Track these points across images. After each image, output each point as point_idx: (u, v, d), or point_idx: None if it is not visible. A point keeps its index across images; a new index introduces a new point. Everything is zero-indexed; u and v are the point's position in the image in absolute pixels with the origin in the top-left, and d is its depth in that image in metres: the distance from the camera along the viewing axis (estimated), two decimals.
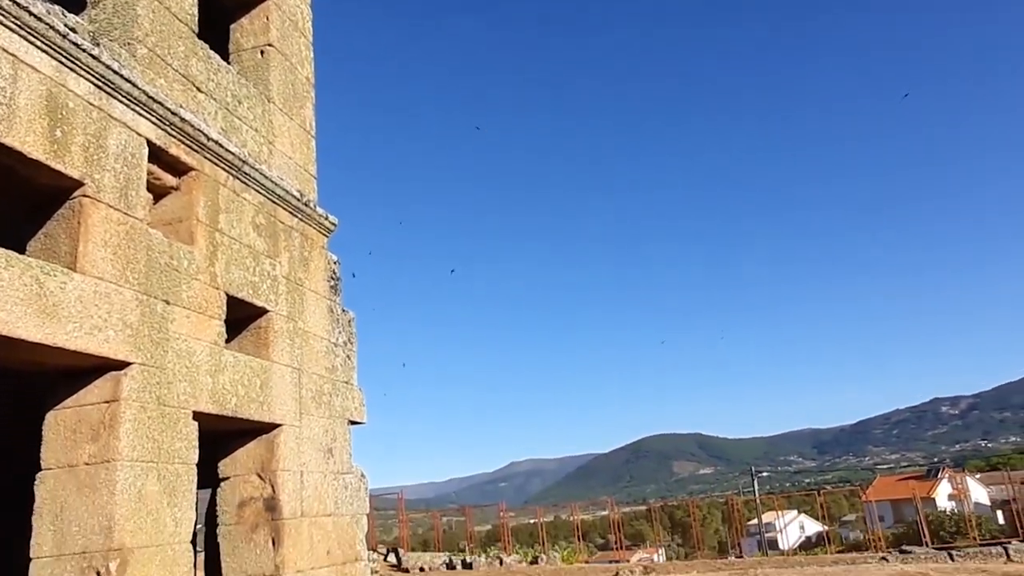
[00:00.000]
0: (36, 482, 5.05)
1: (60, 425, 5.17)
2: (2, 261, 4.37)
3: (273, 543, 6.73)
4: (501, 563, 20.97)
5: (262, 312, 7.11)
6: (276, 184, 7.39)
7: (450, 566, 20.06)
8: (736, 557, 28.58)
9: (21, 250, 4.84)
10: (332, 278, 8.63)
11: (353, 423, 8.66)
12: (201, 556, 7.76)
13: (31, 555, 4.89)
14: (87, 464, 5.02)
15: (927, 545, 24.59)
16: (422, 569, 19.51)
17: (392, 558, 21.38)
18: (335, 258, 8.79)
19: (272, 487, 6.90)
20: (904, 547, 21.06)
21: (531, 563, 21.91)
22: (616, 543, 34.75)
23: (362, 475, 8.71)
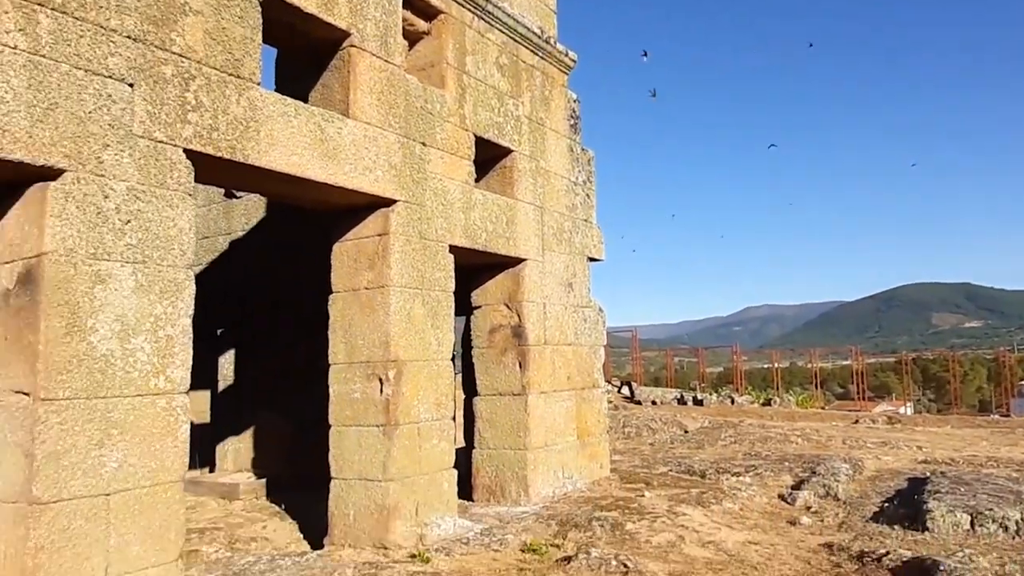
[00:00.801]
0: (329, 303, 5.95)
1: (344, 255, 5.96)
2: (291, 110, 4.95)
3: (520, 366, 7.42)
4: (732, 402, 21.25)
5: (507, 152, 7.41)
6: (517, 22, 7.39)
7: (681, 401, 20.76)
8: (1001, 416, 26.21)
9: (305, 100, 5.43)
10: (572, 117, 8.66)
11: (592, 260, 8.97)
12: (458, 377, 8.77)
13: (329, 361, 5.89)
14: (366, 289, 5.80)
15: None
16: (654, 402, 20.40)
17: (625, 391, 22.56)
18: (575, 96, 8.76)
19: (518, 316, 7.49)
20: None
21: (763, 405, 21.95)
22: (857, 393, 33.41)
23: (600, 309, 9.11)
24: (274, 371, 8.67)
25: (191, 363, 4.15)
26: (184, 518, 4.04)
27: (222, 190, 9.47)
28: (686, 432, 13.94)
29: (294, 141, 4.93)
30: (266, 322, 8.85)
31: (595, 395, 8.76)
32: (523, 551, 5.50)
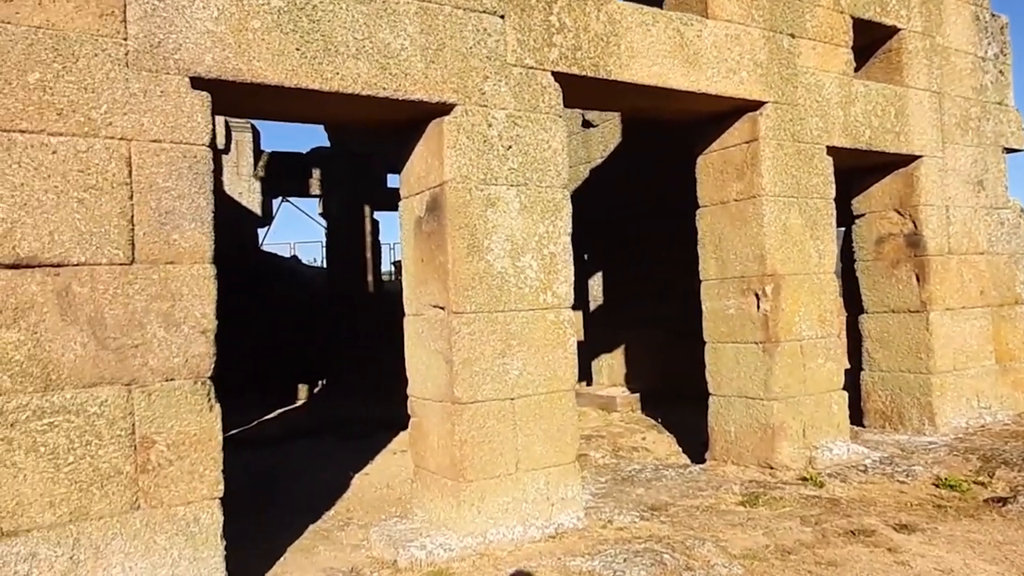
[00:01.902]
0: (696, 217, 5.75)
1: (709, 167, 5.68)
2: (649, 19, 4.77)
3: (916, 279, 6.43)
4: None
5: (891, 32, 6.33)
6: None
7: None
8: None
9: (659, 6, 5.20)
10: None
11: (1009, 151, 7.35)
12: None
13: (700, 277, 5.72)
14: (736, 200, 5.46)
15: None
16: None
17: None
18: None
19: (912, 223, 6.47)
20: None
21: None
22: None
23: (1021, 210, 7.47)
24: (638, 290, 8.83)
25: (573, 280, 4.31)
26: (577, 425, 4.28)
27: (580, 121, 9.78)
28: None
29: (653, 50, 4.75)
30: (628, 243, 9.02)
31: (1018, 312, 7.27)
32: (937, 486, 4.81)
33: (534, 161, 4.22)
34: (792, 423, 5.22)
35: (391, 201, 14.38)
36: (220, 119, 11.77)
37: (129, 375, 3.11)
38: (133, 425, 3.11)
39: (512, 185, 4.13)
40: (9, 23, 2.94)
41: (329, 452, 7.15)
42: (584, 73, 4.44)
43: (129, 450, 3.09)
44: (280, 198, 13.77)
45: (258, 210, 12.24)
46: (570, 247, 4.33)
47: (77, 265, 3.03)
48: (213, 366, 3.30)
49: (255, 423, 9.46)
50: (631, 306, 8.98)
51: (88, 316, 3.04)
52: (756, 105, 5.34)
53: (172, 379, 3.20)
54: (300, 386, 11.58)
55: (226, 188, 11.90)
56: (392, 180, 13.49)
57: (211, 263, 3.31)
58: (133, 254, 3.14)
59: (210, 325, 3.29)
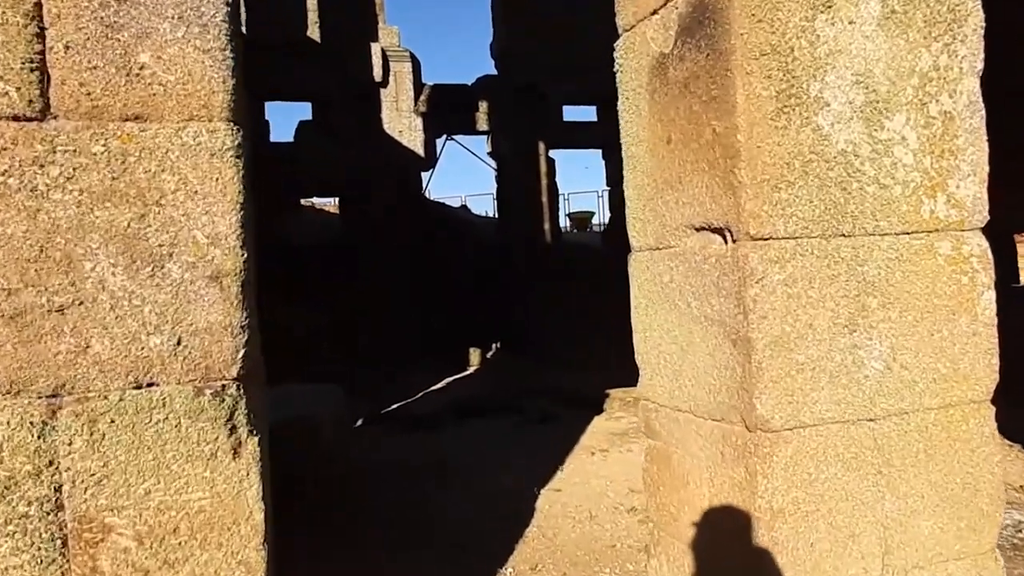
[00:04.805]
0: None
1: None
2: None
3: None
4: None
5: None
6: None
7: None
8: None
9: None
10: None
11: None
12: None
13: None
14: None
15: None
16: None
17: None
18: None
19: None
20: None
21: None
22: None
23: None
24: None
25: (987, 168, 2.08)
26: (1000, 468, 2.07)
27: None
28: None
29: None
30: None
31: None
32: None
33: None
34: None
35: (569, 137, 12.44)
36: (376, 47, 10.30)
37: (48, 375, 1.37)
38: (58, 489, 1.37)
39: None
40: None
41: (503, 444, 5.51)
42: None
43: (49, 549, 1.36)
44: (444, 137, 12.26)
45: (421, 151, 10.78)
46: (980, 100, 2.08)
47: None
48: (243, 354, 1.48)
49: (419, 395, 8.07)
50: None
51: None
52: None
53: (148, 384, 1.42)
54: (472, 350, 10.17)
55: (385, 127, 10.47)
56: (568, 113, 11.51)
57: (229, 121, 1.47)
58: (45, 97, 1.36)
59: (231, 263, 1.47)
